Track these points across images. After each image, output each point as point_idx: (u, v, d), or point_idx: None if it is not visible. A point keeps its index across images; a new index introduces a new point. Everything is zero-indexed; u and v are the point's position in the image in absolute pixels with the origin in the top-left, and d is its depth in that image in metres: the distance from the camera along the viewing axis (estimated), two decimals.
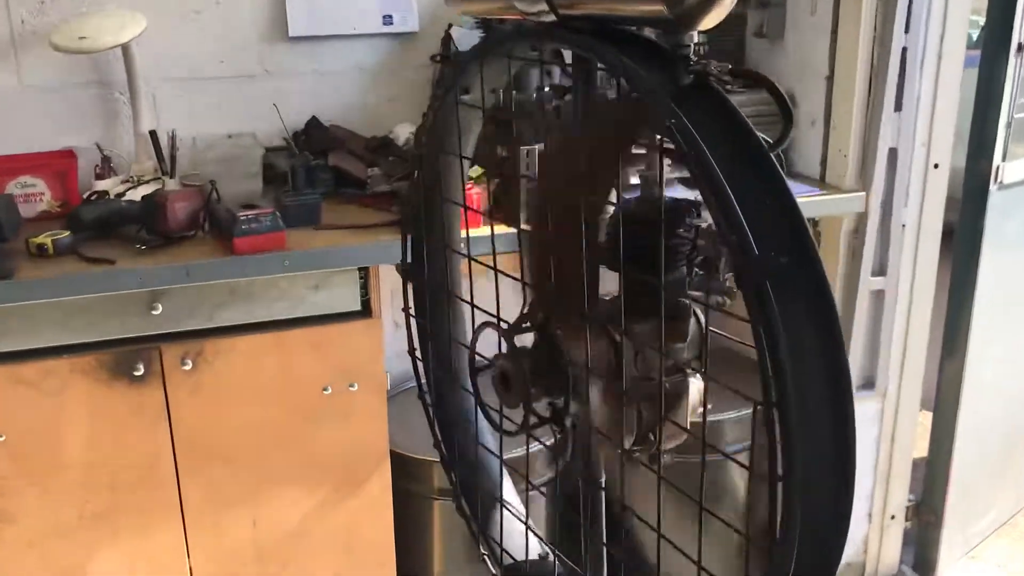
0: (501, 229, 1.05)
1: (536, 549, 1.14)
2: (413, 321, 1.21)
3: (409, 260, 1.21)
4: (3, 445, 1.90)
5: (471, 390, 1.08)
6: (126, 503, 2.01)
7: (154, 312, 1.91)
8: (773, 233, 0.72)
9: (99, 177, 2.30)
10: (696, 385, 1.06)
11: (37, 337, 1.88)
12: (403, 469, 2.34)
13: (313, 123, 2.47)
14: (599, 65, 0.83)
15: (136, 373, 1.92)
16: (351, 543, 2.19)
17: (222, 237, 1.96)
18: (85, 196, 2.20)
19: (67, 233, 1.94)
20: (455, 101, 1.04)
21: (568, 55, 0.98)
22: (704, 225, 0.95)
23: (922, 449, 2.89)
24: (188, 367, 1.95)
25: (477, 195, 2.07)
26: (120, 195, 2.19)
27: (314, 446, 2.10)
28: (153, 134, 2.30)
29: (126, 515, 2.01)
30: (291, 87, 2.49)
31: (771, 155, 0.74)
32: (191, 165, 2.31)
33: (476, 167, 2.07)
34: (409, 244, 1.21)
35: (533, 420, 0.95)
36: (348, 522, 2.18)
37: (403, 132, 2.49)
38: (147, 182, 2.25)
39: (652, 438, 1.05)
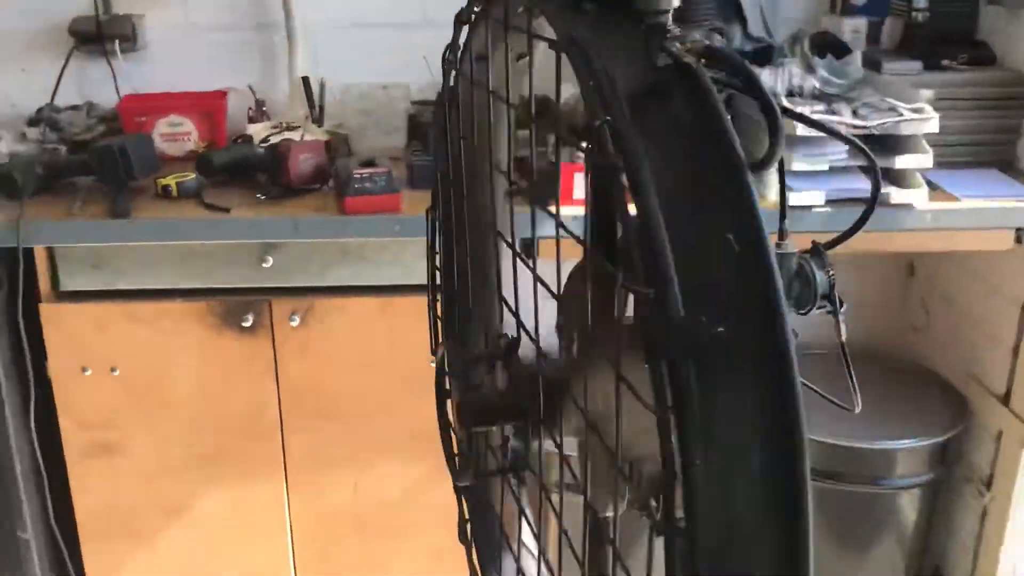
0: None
1: None
2: (440, 320, 1.07)
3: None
4: (118, 379, 1.93)
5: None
6: (231, 449, 2.00)
7: (265, 265, 1.87)
8: (720, 290, 0.50)
9: (251, 120, 2.29)
10: None
11: (154, 278, 1.89)
12: None
13: None
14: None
15: (245, 324, 1.90)
16: (454, 521, 2.09)
17: (341, 194, 1.89)
18: (233, 139, 2.20)
19: (193, 176, 1.93)
20: (460, 74, 0.87)
21: None
22: None
23: None
24: (296, 323, 1.91)
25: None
26: (264, 140, 2.16)
27: (419, 417, 1.99)
28: (305, 80, 2.26)
29: (230, 461, 2.01)
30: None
31: (749, 181, 0.52)
32: (342, 114, 2.25)
33: None
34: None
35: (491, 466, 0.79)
36: (452, 499, 2.07)
37: (562, 93, 2.33)
38: (294, 129, 2.22)
39: (655, 504, 0.85)
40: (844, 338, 0.84)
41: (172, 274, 1.89)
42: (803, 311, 0.84)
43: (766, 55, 2.07)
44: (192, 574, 2.10)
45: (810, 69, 2.00)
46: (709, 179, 0.54)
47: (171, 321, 1.91)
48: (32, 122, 2.20)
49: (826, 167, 1.91)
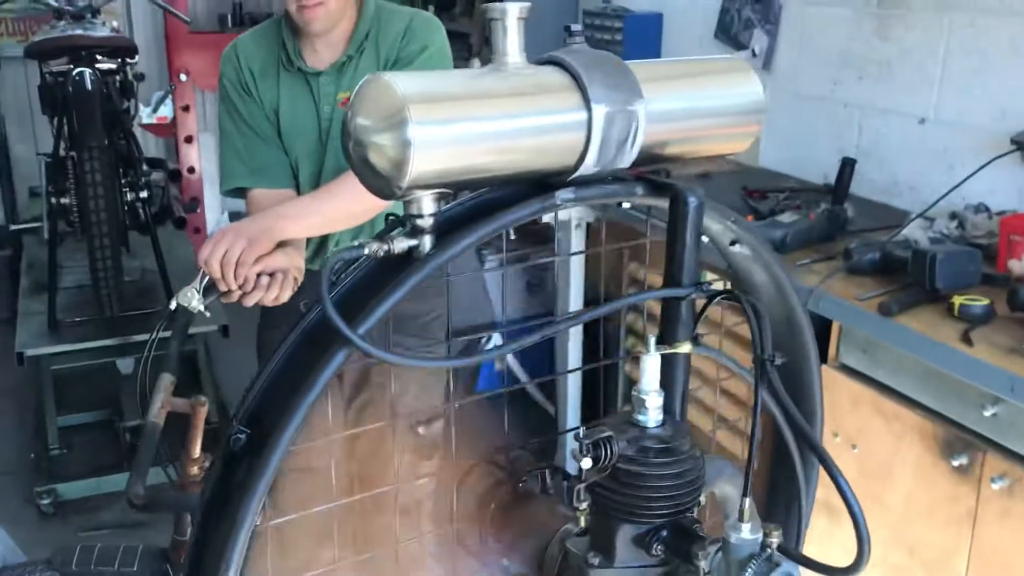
0: None
1: None
2: None
3: None
4: (854, 455, 2.06)
5: None
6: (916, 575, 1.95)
7: (985, 412, 1.74)
8: None
9: None
10: None
11: (902, 380, 1.94)
12: None
13: None
14: None
15: (956, 463, 1.81)
16: None
17: None
18: None
19: (986, 303, 1.87)
20: None
21: None
22: None
23: None
24: (999, 486, 1.73)
25: None
26: None
27: None
28: None
29: None
30: None
31: None
32: None
33: None
34: None
35: None
36: None
37: None
38: None
39: None
40: None
41: (917, 382, 1.91)
42: None
43: None
44: None
45: None
46: None
47: (902, 427, 1.94)
48: (952, 216, 2.36)
49: None
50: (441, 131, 0.69)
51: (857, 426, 2.06)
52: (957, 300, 1.91)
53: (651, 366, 0.79)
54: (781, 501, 0.99)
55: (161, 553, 1.78)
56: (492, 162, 0.73)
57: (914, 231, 2.29)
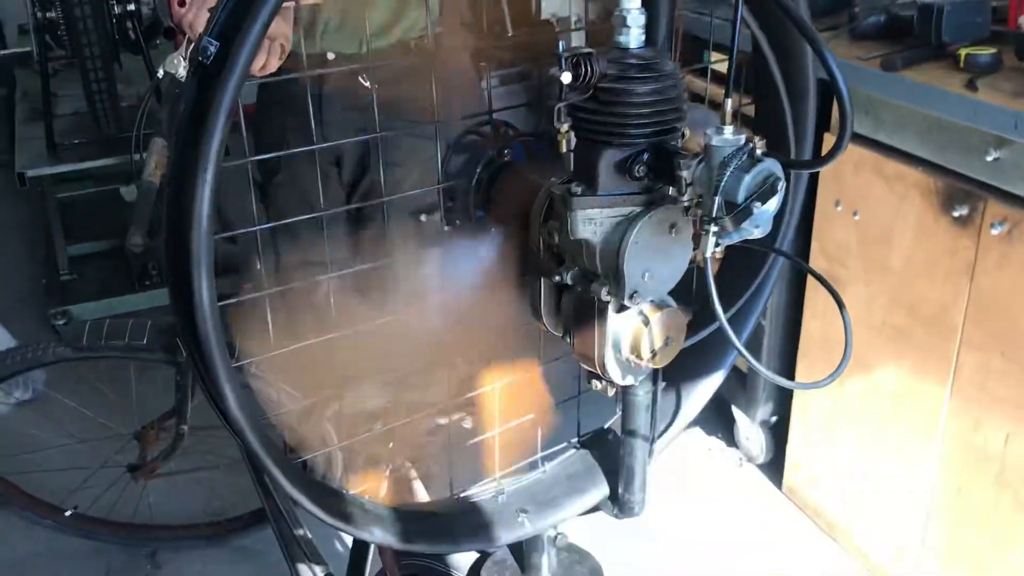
0: None
1: None
2: None
3: None
4: (855, 223, 2.06)
5: None
6: (914, 333, 1.97)
7: (988, 157, 1.72)
8: None
9: None
10: None
11: (901, 136, 1.91)
12: None
13: None
14: None
15: (956, 214, 1.80)
16: None
17: None
18: None
19: (992, 52, 1.82)
20: None
21: None
22: None
23: None
24: (998, 231, 1.72)
25: None
26: None
27: None
28: None
29: (909, 344, 1.98)
30: None
31: None
32: None
33: None
34: None
35: None
36: None
37: None
38: None
39: None
40: (708, 255, 0.66)
41: (919, 137, 1.88)
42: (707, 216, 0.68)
43: None
44: None
45: None
46: None
47: (903, 186, 1.92)
48: None
49: None
50: None
51: (858, 191, 2.04)
52: (963, 52, 1.86)
53: None
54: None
55: (170, 327, 1.82)
56: None
57: None
